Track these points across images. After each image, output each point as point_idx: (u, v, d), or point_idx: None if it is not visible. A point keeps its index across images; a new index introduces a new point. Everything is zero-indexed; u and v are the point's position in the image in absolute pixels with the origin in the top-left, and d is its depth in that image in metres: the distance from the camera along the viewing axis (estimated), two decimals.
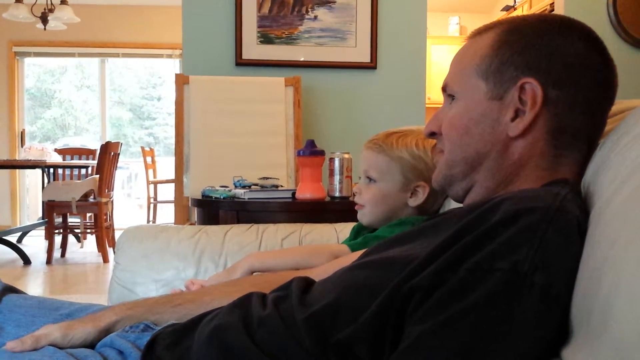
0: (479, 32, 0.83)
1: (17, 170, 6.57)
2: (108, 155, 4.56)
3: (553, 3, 4.27)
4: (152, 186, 6.21)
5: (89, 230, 5.16)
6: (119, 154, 4.85)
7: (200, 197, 2.12)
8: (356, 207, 1.26)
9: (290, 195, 2.00)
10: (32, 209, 6.96)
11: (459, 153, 0.81)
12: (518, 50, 0.77)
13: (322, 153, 1.92)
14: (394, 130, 1.24)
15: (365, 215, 1.24)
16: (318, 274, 0.93)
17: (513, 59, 0.76)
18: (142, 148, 6.35)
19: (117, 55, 6.92)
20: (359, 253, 0.91)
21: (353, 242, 1.24)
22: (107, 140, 6.01)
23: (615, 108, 0.84)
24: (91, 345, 0.89)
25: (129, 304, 0.97)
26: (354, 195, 1.27)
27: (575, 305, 0.58)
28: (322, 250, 1.23)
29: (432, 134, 0.87)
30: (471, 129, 0.79)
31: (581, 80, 0.75)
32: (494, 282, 0.57)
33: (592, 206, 0.66)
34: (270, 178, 2.10)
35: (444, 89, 0.85)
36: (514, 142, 0.77)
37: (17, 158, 6.36)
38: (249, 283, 1.03)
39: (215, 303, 0.91)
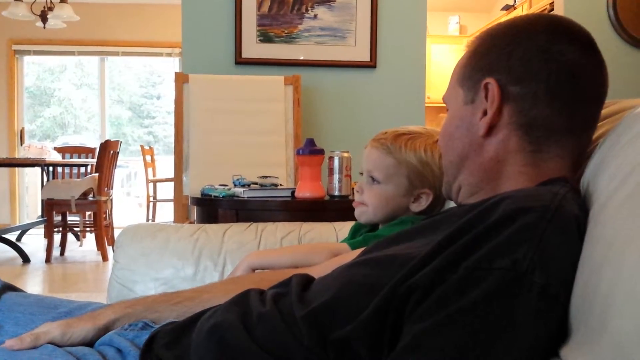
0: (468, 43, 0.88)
1: (17, 168, 6.57)
2: (107, 153, 4.55)
3: (553, 2, 4.27)
4: (151, 185, 6.21)
5: (88, 229, 5.16)
6: (118, 153, 4.85)
7: (199, 196, 2.12)
8: (354, 205, 1.23)
9: (290, 194, 2.00)
10: (31, 207, 6.96)
11: (447, 158, 0.86)
12: (484, 54, 0.80)
13: (321, 152, 1.92)
14: (402, 131, 1.19)
15: (365, 214, 1.21)
16: (317, 272, 0.93)
17: (480, 64, 0.80)
18: (142, 147, 6.35)
19: (116, 53, 6.92)
20: (358, 251, 0.91)
21: (353, 240, 1.23)
22: (106, 138, 6.01)
23: (614, 107, 0.84)
24: (90, 343, 0.89)
25: (128, 302, 0.97)
26: (354, 193, 1.24)
27: (574, 304, 0.58)
28: (321, 248, 1.22)
29: None
30: (453, 134, 0.83)
31: (541, 72, 0.75)
32: (493, 281, 0.57)
33: (592, 205, 0.66)
34: (270, 177, 2.10)
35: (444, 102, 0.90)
36: (486, 140, 0.79)
37: (16, 156, 6.36)
38: (249, 281, 1.03)
39: (214, 301, 0.92)
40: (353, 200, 1.25)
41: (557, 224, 0.61)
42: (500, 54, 0.78)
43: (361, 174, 1.23)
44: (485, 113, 0.78)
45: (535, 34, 0.77)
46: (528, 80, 0.76)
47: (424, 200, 1.18)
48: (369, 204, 1.20)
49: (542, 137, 0.77)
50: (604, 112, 0.84)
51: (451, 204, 1.10)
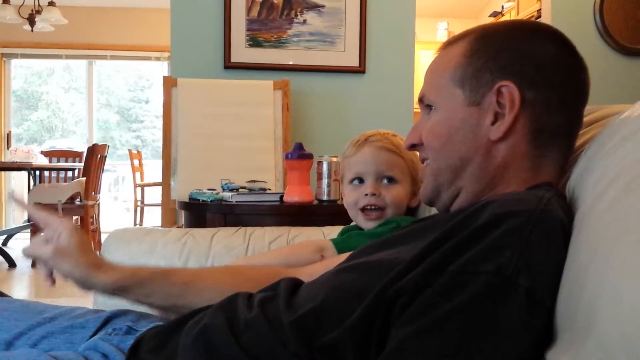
0: (450, 43, 0.85)
1: (3, 172, 6.51)
2: (95, 157, 4.53)
3: (540, 9, 4.31)
4: (139, 189, 6.18)
5: None
6: (105, 157, 4.83)
7: (187, 200, 2.11)
8: (373, 215, 1.20)
9: (278, 199, 2.00)
10: (17, 212, 6.89)
11: (443, 160, 0.82)
12: (491, 55, 0.78)
13: (310, 156, 1.92)
14: (389, 132, 1.23)
15: (385, 217, 1.20)
16: (307, 274, 0.93)
17: (487, 65, 0.78)
18: (130, 151, 6.32)
19: (105, 57, 6.88)
20: (347, 255, 0.91)
21: (337, 239, 1.24)
22: (94, 142, 5.97)
23: (600, 113, 0.85)
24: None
25: (129, 270, 0.93)
26: (363, 198, 1.20)
27: (559, 307, 0.59)
28: (306, 245, 1.24)
29: (413, 146, 0.88)
30: (452, 136, 0.80)
31: (554, 79, 0.77)
32: (478, 285, 0.58)
33: (577, 209, 0.67)
34: (258, 181, 2.09)
35: (420, 100, 0.87)
36: (496, 145, 0.78)
37: (2, 160, 6.30)
38: (245, 275, 1.02)
39: (206, 292, 0.92)
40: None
41: (542, 228, 0.61)
42: (512, 57, 0.77)
43: (356, 179, 1.22)
44: (496, 117, 0.77)
45: (543, 41, 0.78)
46: (542, 86, 0.76)
47: (418, 195, 1.21)
48: (390, 205, 1.19)
49: (547, 142, 0.77)
50: (590, 118, 0.86)
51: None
